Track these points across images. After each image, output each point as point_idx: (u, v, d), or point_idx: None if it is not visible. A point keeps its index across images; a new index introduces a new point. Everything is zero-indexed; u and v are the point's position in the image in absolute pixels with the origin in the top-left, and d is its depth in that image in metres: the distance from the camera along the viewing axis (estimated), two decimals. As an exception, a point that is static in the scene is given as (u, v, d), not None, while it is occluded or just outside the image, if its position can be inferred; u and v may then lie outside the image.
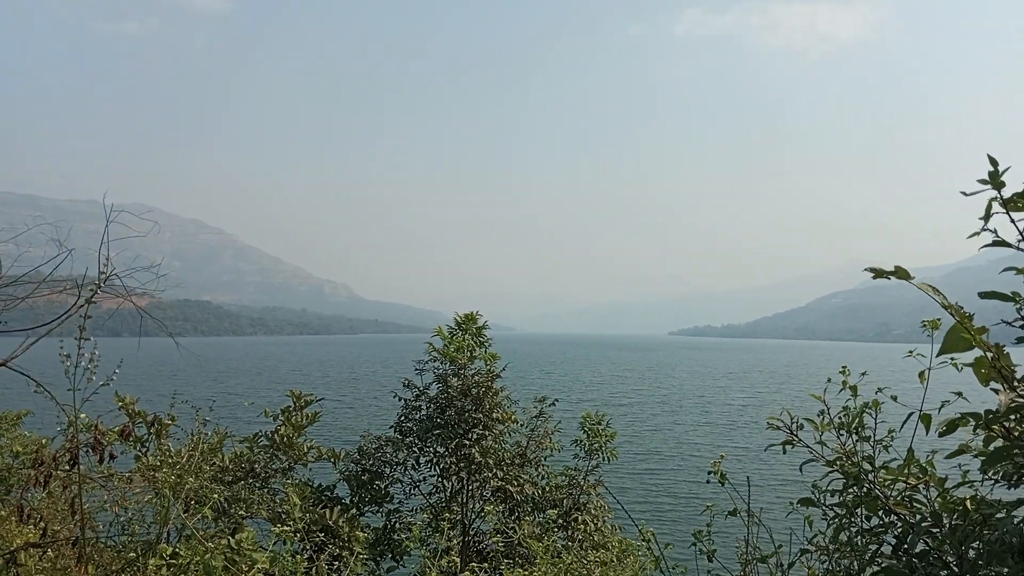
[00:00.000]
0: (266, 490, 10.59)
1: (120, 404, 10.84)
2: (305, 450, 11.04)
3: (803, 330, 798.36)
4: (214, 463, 10.73)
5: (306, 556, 5.91)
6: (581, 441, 12.24)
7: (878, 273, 2.98)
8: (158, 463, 9.62)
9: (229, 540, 5.90)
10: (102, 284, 6.94)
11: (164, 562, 5.20)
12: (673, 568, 3.73)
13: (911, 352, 2.84)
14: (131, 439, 10.39)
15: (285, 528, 4.65)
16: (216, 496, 8.51)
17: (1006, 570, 2.65)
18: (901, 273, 2.94)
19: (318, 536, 9.47)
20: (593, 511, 11.56)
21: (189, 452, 10.27)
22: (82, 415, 8.67)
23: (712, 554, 3.35)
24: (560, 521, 11.11)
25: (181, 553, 5.31)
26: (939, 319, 2.74)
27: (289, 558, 5.59)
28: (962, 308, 2.98)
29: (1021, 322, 2.35)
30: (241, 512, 10.01)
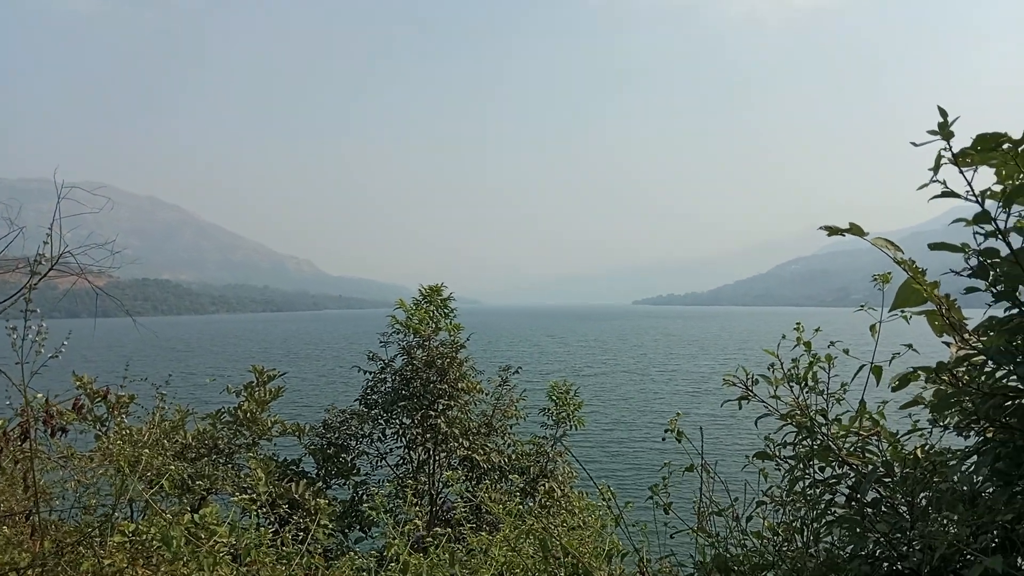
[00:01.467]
0: (230, 466, 10.52)
1: (78, 383, 10.66)
2: (269, 425, 10.96)
3: (764, 296, 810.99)
4: (176, 440, 10.63)
5: (272, 529, 5.87)
6: (549, 410, 12.33)
7: (833, 230, 3.01)
8: (118, 441, 9.50)
9: (192, 515, 5.85)
10: (55, 262, 6.77)
11: (127, 538, 5.13)
12: (633, 526, 3.79)
13: (862, 306, 2.87)
14: (90, 418, 10.23)
15: (243, 497, 4.60)
16: (173, 469, 8.41)
17: (956, 516, 2.72)
18: (855, 230, 2.97)
19: (282, 509, 9.45)
20: (560, 477, 11.68)
21: (150, 429, 10.16)
22: (38, 395, 8.51)
23: (668, 507, 3.40)
24: (527, 488, 11.22)
25: (142, 528, 5.25)
26: (890, 273, 2.78)
27: (252, 531, 5.56)
28: (915, 263, 3.03)
29: (968, 271, 2.38)
30: (205, 488, 9.94)
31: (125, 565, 3.92)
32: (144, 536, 5.19)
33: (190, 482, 9.94)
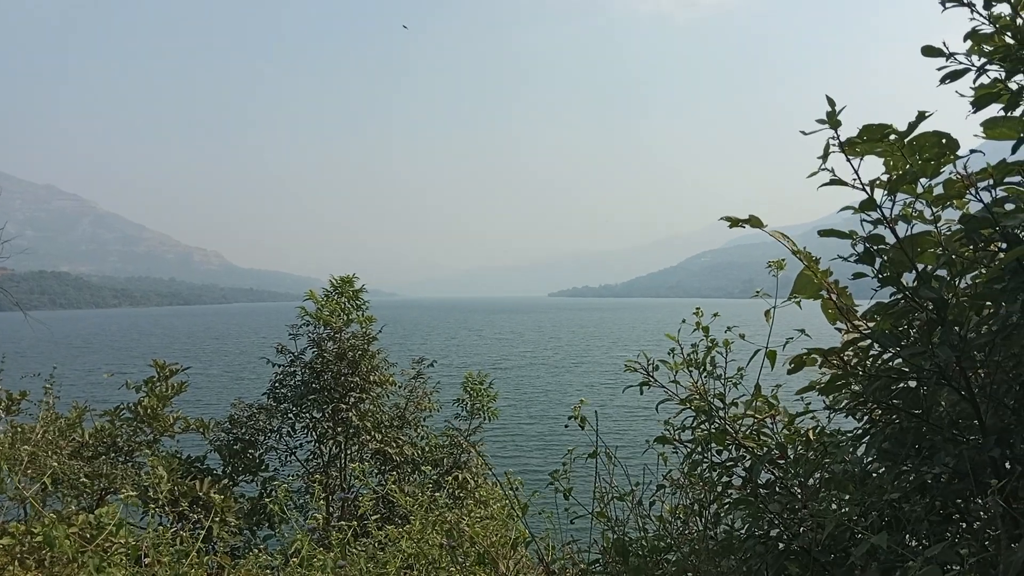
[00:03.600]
0: (130, 464, 10.11)
1: (-37, 380, 10.06)
2: (171, 421, 10.58)
3: (675, 288, 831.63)
4: (73, 438, 10.15)
5: (172, 529, 5.65)
6: (463, 401, 12.30)
7: (733, 222, 3.07)
8: (9, 440, 9.00)
9: (88, 516, 5.58)
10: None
11: (16, 541, 4.86)
12: (539, 513, 3.80)
13: (757, 292, 2.94)
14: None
15: (131, 495, 4.40)
16: (54, 466, 8.02)
17: (847, 496, 2.81)
18: (754, 222, 3.04)
19: (183, 507, 9.12)
20: (474, 468, 11.67)
21: (42, 427, 9.66)
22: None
23: (568, 492, 3.42)
24: (440, 479, 11.17)
25: (35, 531, 4.99)
26: (784, 260, 2.85)
27: (150, 531, 5.34)
28: (810, 253, 3.12)
29: (855, 256, 2.46)
30: (102, 487, 9.53)
31: (5, 563, 3.69)
32: (35, 538, 4.92)
33: (87, 481, 9.51)
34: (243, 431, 11.07)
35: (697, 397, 2.93)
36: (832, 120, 2.39)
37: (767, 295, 2.90)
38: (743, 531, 2.81)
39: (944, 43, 2.46)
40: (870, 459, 2.75)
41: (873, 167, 2.70)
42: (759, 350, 2.82)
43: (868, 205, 2.44)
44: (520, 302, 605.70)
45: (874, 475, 2.77)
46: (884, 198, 2.48)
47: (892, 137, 2.60)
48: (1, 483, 4.45)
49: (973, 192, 2.27)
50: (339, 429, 11.22)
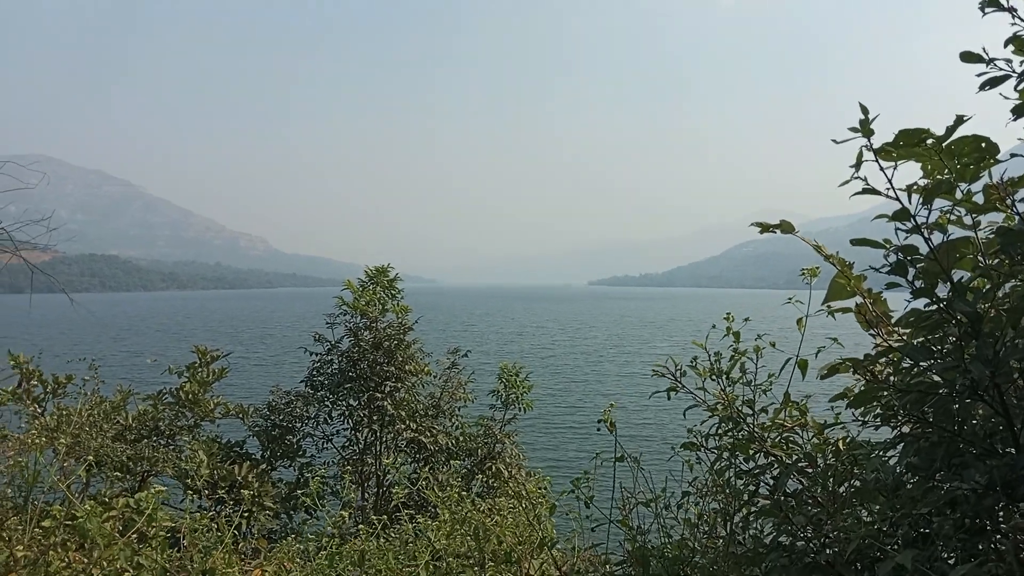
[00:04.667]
0: (171, 447, 10.35)
1: (13, 363, 10.36)
2: (212, 406, 10.80)
3: (717, 279, 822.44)
4: (116, 421, 10.41)
5: (210, 514, 5.77)
6: (498, 392, 12.34)
7: (764, 227, 3.02)
8: (55, 422, 9.27)
9: (128, 500, 5.72)
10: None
11: (58, 523, 5.01)
12: (567, 514, 3.80)
13: (790, 299, 2.89)
14: (27, 399, 9.97)
15: (160, 489, 4.50)
16: (92, 456, 8.22)
17: (876, 507, 2.76)
18: (786, 227, 2.99)
19: (220, 492, 9.31)
20: (508, 459, 11.72)
21: (88, 410, 9.93)
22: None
23: (589, 500, 3.41)
24: (475, 469, 11.24)
25: (77, 514, 5.13)
26: (818, 267, 2.80)
27: (188, 515, 5.46)
28: (844, 259, 3.06)
29: (887, 268, 2.41)
30: (145, 470, 9.76)
31: (37, 556, 3.80)
32: (79, 523, 5.07)
33: (130, 464, 9.75)
34: (281, 417, 11.26)
35: (723, 404, 2.89)
36: (865, 128, 2.33)
37: (799, 301, 2.85)
38: (768, 541, 2.78)
39: (984, 48, 2.38)
40: (901, 470, 2.70)
41: (910, 171, 2.63)
42: (789, 359, 2.78)
43: (902, 215, 2.38)
44: (560, 290, 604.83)
45: (908, 485, 2.72)
46: (919, 207, 2.42)
47: (929, 142, 2.54)
48: (37, 475, 4.57)
49: (1008, 203, 2.20)
50: (375, 417, 11.35)
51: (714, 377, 2.98)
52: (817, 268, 2.80)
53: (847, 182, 2.42)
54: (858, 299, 2.95)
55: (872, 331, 2.89)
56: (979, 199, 2.54)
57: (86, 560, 4.38)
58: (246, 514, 6.03)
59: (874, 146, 2.41)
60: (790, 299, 2.90)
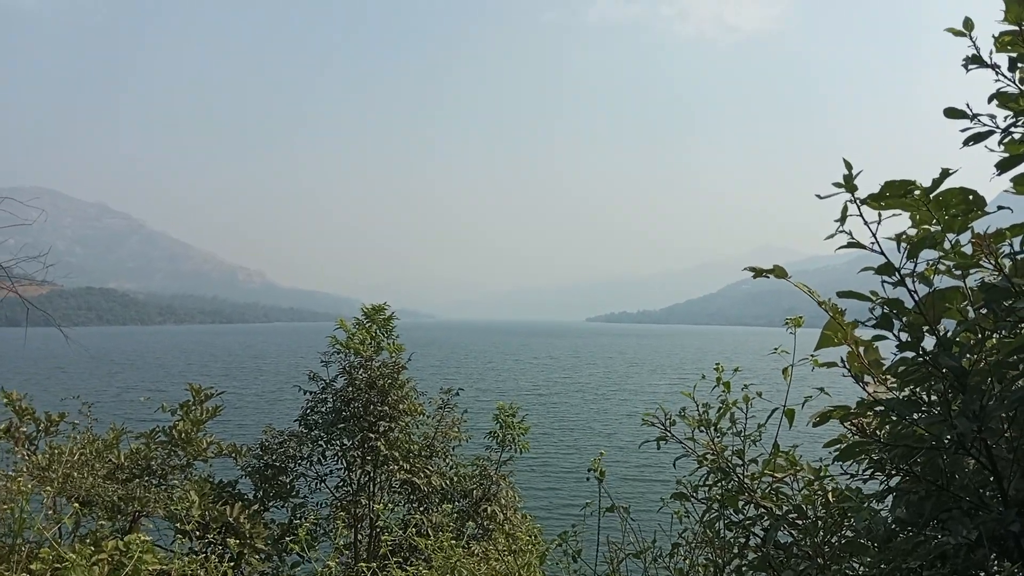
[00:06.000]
0: (163, 487, 10.25)
1: (6, 401, 10.31)
2: (204, 445, 10.72)
3: (715, 315, 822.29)
4: (109, 460, 10.33)
5: (200, 557, 5.72)
6: (495, 432, 12.28)
7: (758, 272, 3.04)
8: (46, 461, 9.19)
9: (117, 542, 5.66)
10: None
11: (48, 567, 4.95)
12: (558, 563, 3.76)
13: (776, 349, 2.90)
14: (19, 438, 9.91)
15: (146, 539, 4.45)
16: (84, 495, 8.15)
17: (867, 559, 2.74)
18: (779, 272, 3.00)
19: (210, 535, 9.20)
20: (504, 501, 11.61)
21: (80, 449, 9.86)
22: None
23: (577, 554, 3.39)
24: (469, 511, 11.13)
25: (67, 557, 5.07)
26: (802, 316, 2.81)
27: (178, 559, 5.40)
28: (836, 305, 3.07)
29: (873, 321, 2.42)
30: (136, 510, 9.65)
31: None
32: (67, 564, 5.01)
33: (121, 504, 9.65)
34: (274, 457, 11.17)
35: (712, 455, 2.89)
36: (848, 184, 2.37)
37: (785, 351, 2.86)
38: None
39: (968, 104, 2.42)
40: (891, 523, 2.69)
41: (900, 218, 2.66)
42: (776, 409, 2.78)
43: (886, 270, 2.40)
44: (557, 326, 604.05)
45: (899, 537, 2.70)
46: (904, 261, 2.44)
47: (916, 193, 2.57)
48: (23, 522, 4.53)
49: (989, 260, 2.22)
50: (368, 457, 11.27)
51: (702, 428, 2.97)
52: (801, 318, 2.81)
53: (832, 236, 2.45)
54: (848, 349, 2.96)
55: (862, 383, 2.89)
56: (967, 250, 2.57)
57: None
58: (232, 562, 5.96)
59: (859, 200, 2.44)
60: (776, 349, 2.90)
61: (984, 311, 2.48)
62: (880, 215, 2.55)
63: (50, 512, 5.75)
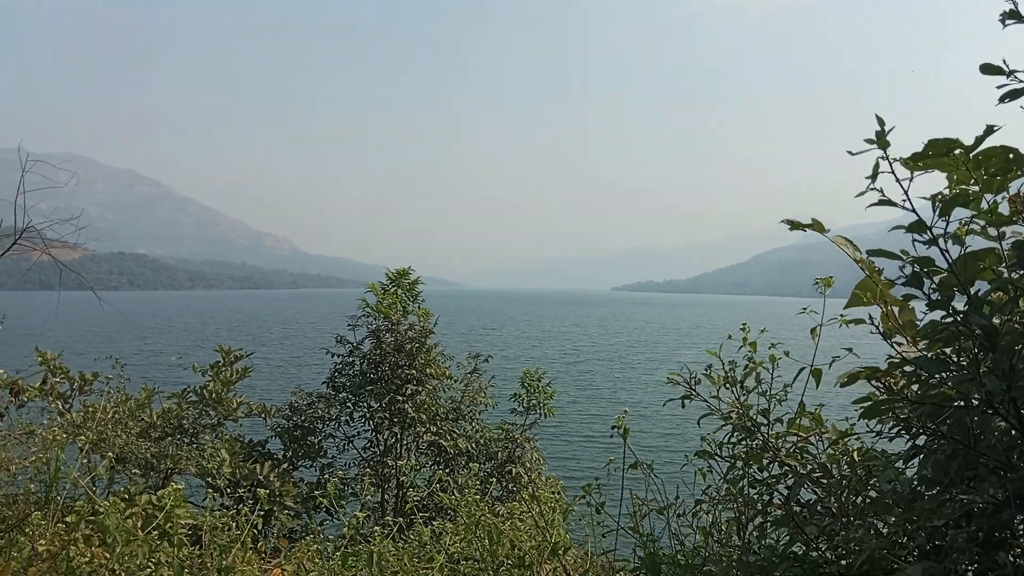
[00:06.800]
0: (195, 446, 10.48)
1: (40, 359, 10.54)
2: (235, 406, 10.92)
3: (743, 285, 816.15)
4: (141, 419, 10.56)
5: (231, 512, 5.84)
6: (520, 397, 12.36)
7: (795, 225, 3.02)
8: (81, 419, 9.42)
9: (150, 497, 5.81)
10: (19, 236, 6.64)
11: (81, 518, 5.09)
12: (581, 519, 3.81)
13: (804, 309, 2.89)
14: (52, 395, 10.14)
15: (178, 488, 4.56)
16: (116, 452, 8.33)
17: (892, 520, 2.74)
18: (816, 226, 2.98)
19: (241, 491, 9.40)
20: (528, 463, 11.73)
21: (114, 408, 10.07)
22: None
23: (601, 506, 3.42)
24: (495, 473, 11.27)
25: (99, 509, 5.21)
26: (832, 276, 2.79)
27: (208, 514, 5.52)
28: (873, 263, 3.04)
29: (903, 279, 2.40)
30: (168, 468, 9.88)
31: (58, 550, 3.88)
32: (100, 519, 5.15)
33: (154, 461, 9.88)
34: (302, 418, 11.35)
35: (737, 414, 2.89)
36: (881, 140, 2.33)
37: (814, 312, 2.84)
38: (781, 551, 2.77)
39: (1004, 60, 2.37)
40: (916, 483, 2.68)
41: (936, 181, 2.61)
42: (803, 368, 2.77)
43: (918, 227, 2.37)
44: (583, 295, 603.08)
45: (926, 496, 2.69)
46: (936, 220, 2.41)
47: (957, 152, 2.52)
48: (58, 471, 4.65)
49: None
50: (395, 420, 11.41)
51: (728, 386, 2.98)
52: (831, 278, 2.79)
53: (863, 193, 2.42)
54: (879, 308, 2.93)
55: (893, 341, 2.87)
56: (1004, 210, 2.52)
57: (108, 556, 4.46)
58: (263, 513, 6.08)
59: (890, 157, 2.40)
60: (804, 309, 2.89)
61: (1017, 274, 2.44)
62: (912, 175, 2.51)
63: (85, 462, 5.90)
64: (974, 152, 2.50)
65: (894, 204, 2.41)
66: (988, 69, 2.38)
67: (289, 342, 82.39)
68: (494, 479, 10.93)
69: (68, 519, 5.05)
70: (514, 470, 11.44)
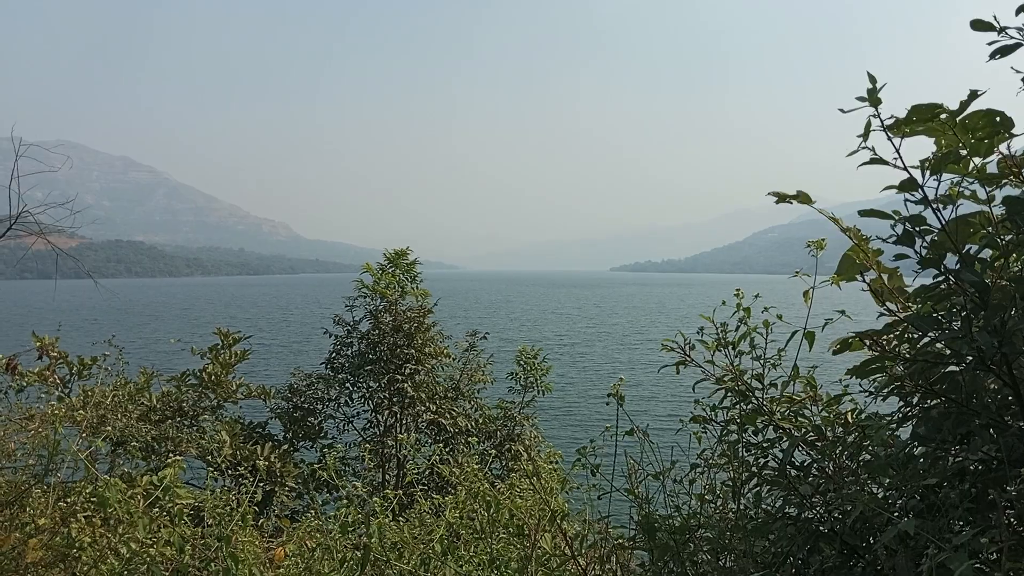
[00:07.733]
0: (195, 428, 10.50)
1: (38, 344, 10.54)
2: (234, 388, 10.93)
3: (741, 264, 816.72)
4: (141, 403, 10.58)
5: (231, 492, 5.87)
6: (516, 375, 12.40)
7: (781, 197, 3.02)
8: (80, 403, 9.43)
9: (152, 476, 5.84)
10: (12, 223, 6.62)
11: (83, 498, 5.12)
12: (578, 487, 3.84)
13: (796, 273, 2.90)
14: (51, 380, 10.15)
15: (179, 460, 4.58)
16: (117, 435, 8.37)
17: (886, 480, 2.77)
18: (803, 198, 2.98)
19: (240, 471, 9.45)
20: (527, 441, 11.78)
21: (112, 391, 10.09)
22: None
23: (596, 468, 3.44)
24: (495, 451, 11.32)
25: (100, 489, 5.23)
26: (824, 239, 2.80)
27: (210, 494, 5.54)
28: (860, 231, 3.05)
29: (895, 238, 2.40)
30: (169, 450, 9.91)
31: (55, 524, 3.90)
32: (100, 498, 5.17)
33: (155, 444, 9.91)
34: (302, 399, 11.38)
35: (731, 377, 2.91)
36: (872, 98, 2.33)
37: (806, 275, 2.85)
38: (775, 512, 2.80)
39: (995, 16, 2.36)
40: (911, 443, 2.70)
41: (925, 146, 2.61)
42: (796, 331, 2.78)
43: (909, 185, 2.38)
44: (581, 276, 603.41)
45: (921, 459, 2.72)
46: (928, 178, 2.41)
47: (943, 116, 2.53)
48: (57, 444, 4.67)
49: (1015, 179, 2.19)
50: (395, 399, 11.44)
51: (721, 348, 2.99)
52: (823, 240, 2.80)
53: (854, 152, 2.42)
54: (872, 274, 2.94)
55: (889, 305, 2.88)
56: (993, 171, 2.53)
57: (111, 536, 4.49)
58: (262, 484, 6.12)
59: (882, 116, 2.41)
60: (796, 272, 2.90)
61: (1008, 237, 2.45)
62: (902, 140, 2.52)
63: (86, 439, 5.92)
64: (960, 116, 2.50)
65: (885, 163, 2.41)
66: (979, 25, 2.38)
67: (288, 326, 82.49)
68: (493, 453, 11.01)
69: (69, 499, 5.08)
70: (513, 448, 11.50)
